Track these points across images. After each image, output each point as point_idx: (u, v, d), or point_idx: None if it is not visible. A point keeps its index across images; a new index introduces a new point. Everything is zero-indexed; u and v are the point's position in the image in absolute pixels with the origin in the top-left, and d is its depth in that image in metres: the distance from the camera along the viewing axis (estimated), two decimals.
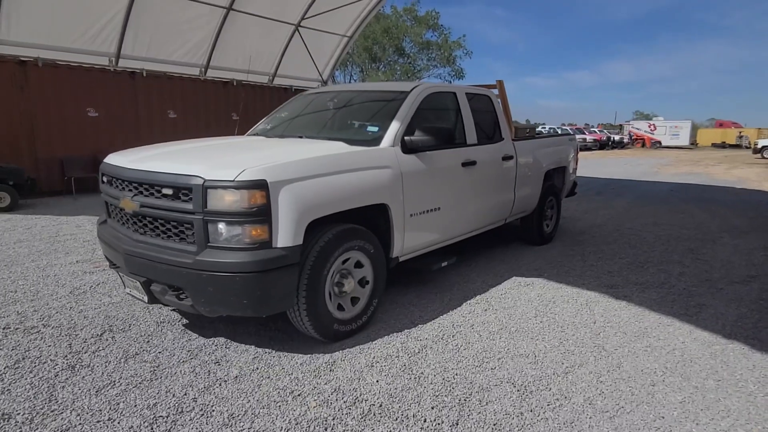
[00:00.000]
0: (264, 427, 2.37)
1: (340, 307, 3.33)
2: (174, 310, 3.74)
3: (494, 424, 2.41)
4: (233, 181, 2.77)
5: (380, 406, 2.55)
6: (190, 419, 2.42)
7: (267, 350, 3.14)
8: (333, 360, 3.02)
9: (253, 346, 3.19)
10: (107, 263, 3.78)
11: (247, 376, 2.82)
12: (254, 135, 4.75)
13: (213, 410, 2.50)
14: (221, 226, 2.82)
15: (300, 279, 3.01)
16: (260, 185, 2.79)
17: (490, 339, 3.35)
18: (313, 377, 2.82)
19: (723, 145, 43.17)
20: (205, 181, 2.80)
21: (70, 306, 3.82)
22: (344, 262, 3.32)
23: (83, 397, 2.58)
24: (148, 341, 3.24)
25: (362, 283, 3.47)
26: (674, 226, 7.24)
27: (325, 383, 2.76)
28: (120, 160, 3.47)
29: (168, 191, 2.95)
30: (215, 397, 2.61)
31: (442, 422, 2.43)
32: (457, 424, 2.41)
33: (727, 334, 3.47)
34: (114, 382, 2.75)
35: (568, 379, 2.84)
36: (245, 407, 2.53)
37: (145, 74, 10.76)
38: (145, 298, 3.15)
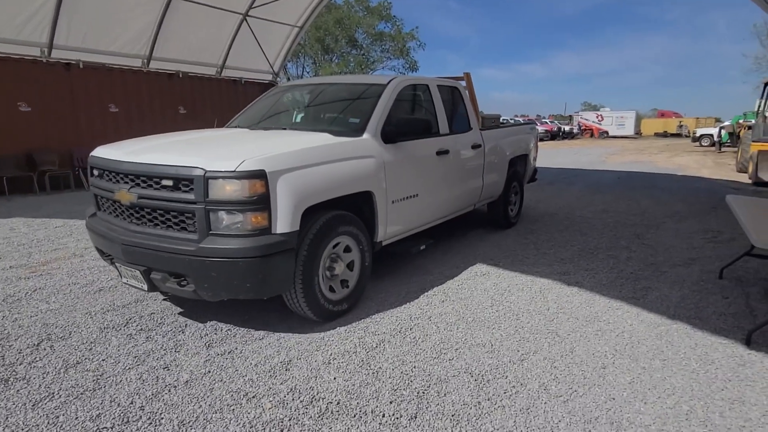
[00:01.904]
0: None
1: (331, 289, 3.52)
2: (119, 313, 3.55)
3: (452, 415, 2.41)
4: (234, 171, 2.90)
5: (338, 403, 2.50)
6: (137, 429, 2.29)
7: (219, 352, 3.02)
8: (289, 359, 2.94)
9: (204, 349, 3.06)
10: (99, 255, 3.79)
11: (199, 380, 2.71)
12: (236, 127, 4.72)
13: (162, 418, 2.37)
14: (223, 214, 2.94)
15: (296, 262, 3.17)
16: (260, 175, 2.93)
17: (448, 330, 3.36)
18: (268, 378, 2.74)
19: (665, 134, 45.44)
20: (206, 172, 2.91)
21: (2, 315, 3.55)
22: (335, 246, 3.50)
23: (18, 413, 2.40)
24: (91, 349, 3.06)
25: (350, 266, 3.68)
26: (621, 212, 7.53)
27: (281, 383, 2.68)
28: (113, 153, 3.47)
29: (168, 182, 3.04)
30: (164, 404, 2.49)
31: (401, 416, 2.41)
32: (416, 417, 2.40)
33: (671, 315, 3.63)
34: (53, 394, 2.57)
35: (524, 366, 2.88)
36: (197, 413, 2.42)
37: (81, 66, 10.14)
38: (145, 287, 3.22)
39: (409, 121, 4.25)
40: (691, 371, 2.83)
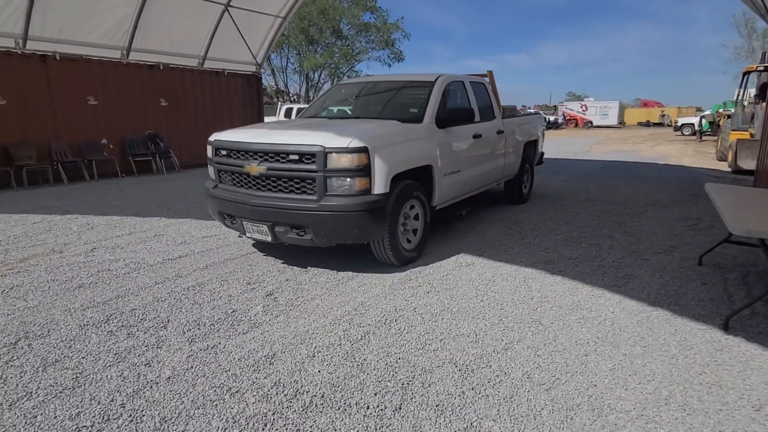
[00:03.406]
0: (199, 428, 2.25)
1: (406, 241, 4.53)
2: (99, 310, 3.49)
3: (437, 406, 2.42)
4: (346, 147, 3.90)
5: (322, 396, 2.50)
6: (118, 427, 2.26)
7: (202, 348, 2.99)
8: (273, 353, 2.92)
9: (187, 344, 3.03)
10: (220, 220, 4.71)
11: (181, 376, 2.68)
12: (312, 117, 5.76)
13: (143, 415, 2.35)
14: (336, 180, 3.94)
15: (385, 217, 4.11)
16: (364, 150, 3.93)
17: (433, 321, 3.36)
18: (251, 372, 2.72)
19: (647, 124, 45.99)
20: (325, 148, 3.91)
21: None
22: (407, 207, 4.47)
23: None
24: (70, 346, 3.00)
25: (417, 223, 4.69)
26: (605, 201, 7.61)
27: (265, 377, 2.67)
28: (241, 136, 4.48)
29: (294, 157, 4.03)
30: (145, 401, 2.46)
31: (385, 408, 2.41)
32: (400, 409, 2.40)
33: (652, 302, 3.68)
34: (30, 393, 2.52)
35: (508, 355, 2.90)
36: (179, 409, 2.39)
37: (58, 57, 9.84)
38: (269, 239, 4.21)
39: (455, 110, 5.19)
40: (671, 357, 2.87)
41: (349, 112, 5.93)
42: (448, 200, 5.30)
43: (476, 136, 5.63)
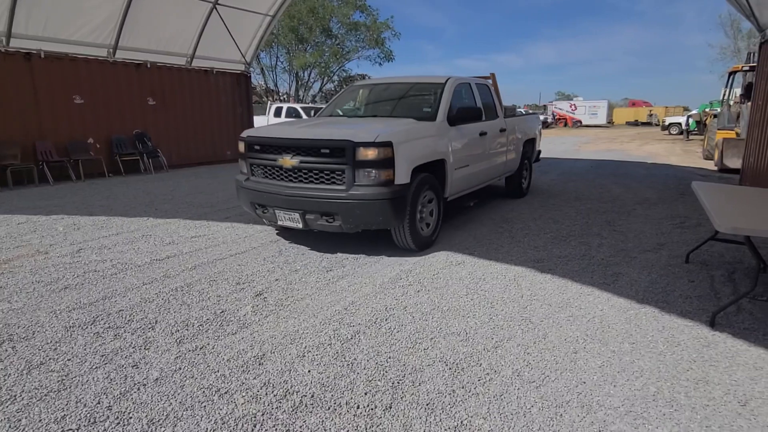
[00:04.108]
0: (188, 430, 2.23)
1: (421, 228, 4.88)
2: (85, 311, 3.44)
3: (427, 404, 2.42)
4: (373, 142, 4.28)
5: (312, 396, 2.48)
6: (104, 429, 2.23)
7: (191, 348, 2.96)
8: (262, 353, 2.90)
9: (175, 345, 2.99)
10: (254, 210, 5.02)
11: (169, 378, 2.65)
12: (330, 116, 6.26)
13: (130, 417, 2.31)
14: (363, 171, 4.32)
15: (407, 205, 4.49)
16: (389, 144, 4.32)
17: (423, 320, 3.36)
18: (241, 373, 2.70)
19: (636, 123, 46.45)
20: (354, 143, 4.28)
21: None
22: (424, 197, 4.85)
23: None
24: (56, 348, 2.96)
25: (431, 213, 5.05)
26: (594, 200, 7.66)
27: (254, 378, 2.64)
28: (272, 133, 4.90)
29: (326, 151, 4.41)
30: (133, 403, 2.43)
31: (376, 407, 2.40)
32: (391, 408, 2.39)
33: (640, 299, 3.71)
34: (15, 396, 2.48)
35: (498, 354, 2.91)
36: (167, 411, 2.36)
37: (43, 56, 9.70)
38: (300, 225, 4.61)
39: (464, 109, 5.53)
40: (659, 353, 2.90)
41: (365, 112, 6.30)
42: (457, 192, 5.68)
43: (482, 134, 6.02)
